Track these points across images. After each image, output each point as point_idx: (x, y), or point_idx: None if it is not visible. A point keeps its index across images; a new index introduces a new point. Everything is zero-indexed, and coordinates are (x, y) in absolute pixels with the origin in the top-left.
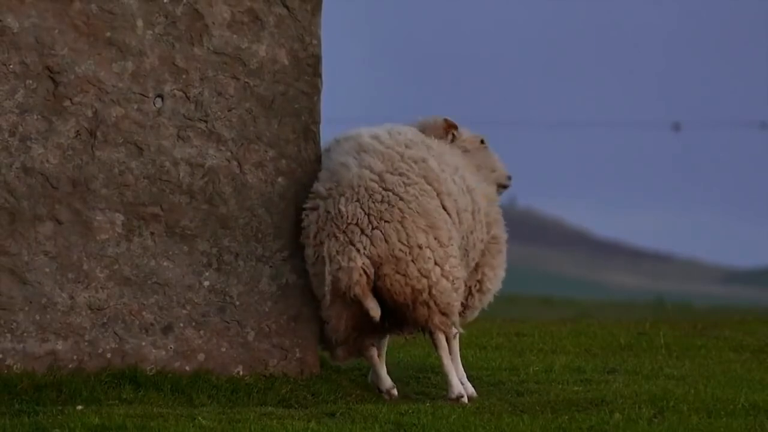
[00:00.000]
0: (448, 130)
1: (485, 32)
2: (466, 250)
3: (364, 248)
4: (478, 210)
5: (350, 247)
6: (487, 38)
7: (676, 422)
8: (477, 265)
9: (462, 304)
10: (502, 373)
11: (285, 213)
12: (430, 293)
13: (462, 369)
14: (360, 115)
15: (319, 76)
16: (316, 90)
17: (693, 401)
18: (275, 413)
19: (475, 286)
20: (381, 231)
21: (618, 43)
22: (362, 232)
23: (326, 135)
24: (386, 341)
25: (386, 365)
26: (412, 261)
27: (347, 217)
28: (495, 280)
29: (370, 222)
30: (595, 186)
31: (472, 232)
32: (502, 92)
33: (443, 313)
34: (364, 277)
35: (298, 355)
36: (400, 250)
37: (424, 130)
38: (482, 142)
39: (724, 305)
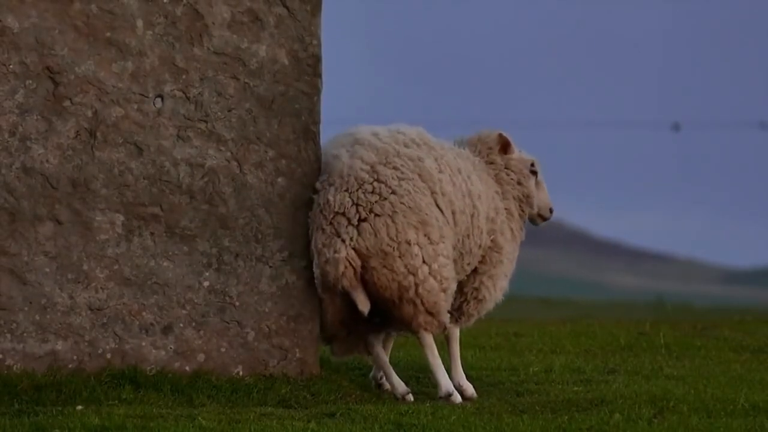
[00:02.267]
0: (502, 146)
1: (485, 33)
2: (461, 253)
3: (351, 240)
4: (477, 214)
5: (336, 239)
6: (487, 39)
7: (676, 422)
8: (475, 272)
9: (458, 309)
10: (501, 374)
11: (285, 213)
12: (416, 291)
13: (461, 369)
14: (360, 115)
15: (319, 76)
16: (316, 90)
17: (693, 401)
18: (275, 413)
19: (472, 293)
20: (370, 224)
21: (618, 43)
22: (349, 222)
23: (326, 136)
24: (390, 344)
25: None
26: (400, 257)
27: (334, 206)
28: (493, 290)
29: (357, 212)
30: (595, 186)
31: (468, 236)
32: (501, 93)
33: (429, 312)
34: (351, 269)
35: (297, 355)
36: (388, 244)
37: (478, 140)
38: (532, 165)
39: (724, 305)
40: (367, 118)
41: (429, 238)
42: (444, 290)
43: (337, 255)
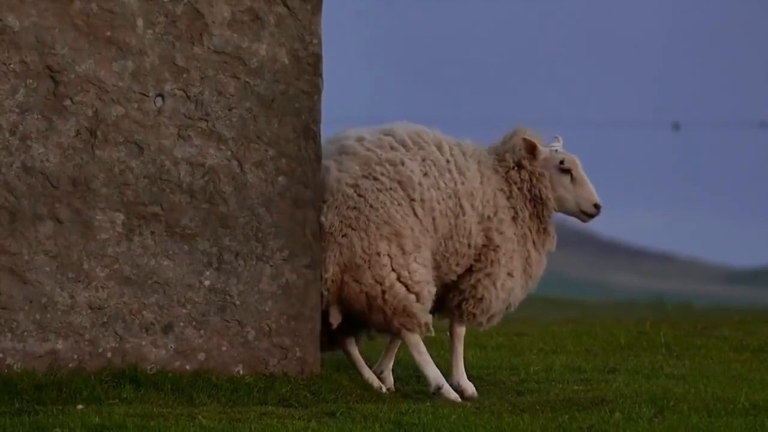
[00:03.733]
0: (528, 149)
1: (485, 32)
2: (444, 255)
3: (335, 257)
4: (462, 214)
5: (326, 254)
6: (487, 38)
7: (676, 422)
8: (471, 271)
9: (458, 307)
10: (502, 373)
11: (285, 212)
12: (383, 298)
13: (462, 368)
14: (360, 115)
15: (320, 75)
16: (316, 89)
17: (693, 400)
18: (275, 412)
19: (469, 291)
20: (348, 239)
21: (618, 43)
22: (335, 240)
23: (327, 135)
24: (396, 344)
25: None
26: (369, 268)
27: (326, 226)
28: (493, 289)
29: (341, 230)
30: (596, 186)
31: (451, 237)
32: (501, 92)
33: (402, 314)
34: (335, 285)
35: (298, 354)
36: (361, 257)
37: (503, 139)
38: (561, 162)
39: (724, 305)
40: (368, 117)
41: (402, 249)
42: (416, 293)
43: (326, 274)
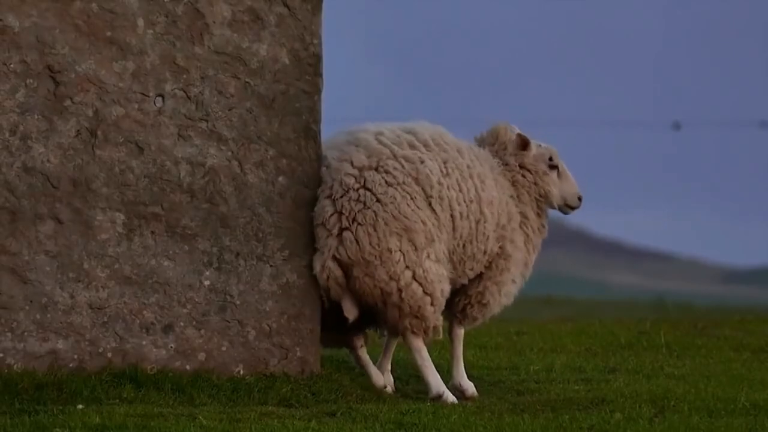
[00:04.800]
0: (521, 145)
1: (485, 32)
2: (462, 258)
3: (329, 250)
4: (483, 221)
5: (317, 252)
6: (487, 38)
7: (676, 421)
8: (481, 277)
9: (462, 311)
10: (502, 373)
11: (286, 212)
12: (399, 296)
13: (463, 369)
14: (360, 115)
15: (320, 75)
16: (316, 89)
17: (694, 400)
18: (276, 413)
19: (476, 296)
20: (352, 233)
21: (617, 43)
22: (329, 234)
23: (327, 134)
24: (394, 343)
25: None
26: (381, 264)
27: (316, 217)
28: (498, 295)
29: (339, 221)
30: (595, 186)
31: (471, 242)
32: (501, 91)
33: (414, 316)
34: (333, 281)
35: (298, 354)
36: (370, 253)
37: (495, 141)
38: (550, 159)
39: (724, 304)
40: (368, 117)
41: (413, 244)
42: (429, 294)
43: (317, 270)
